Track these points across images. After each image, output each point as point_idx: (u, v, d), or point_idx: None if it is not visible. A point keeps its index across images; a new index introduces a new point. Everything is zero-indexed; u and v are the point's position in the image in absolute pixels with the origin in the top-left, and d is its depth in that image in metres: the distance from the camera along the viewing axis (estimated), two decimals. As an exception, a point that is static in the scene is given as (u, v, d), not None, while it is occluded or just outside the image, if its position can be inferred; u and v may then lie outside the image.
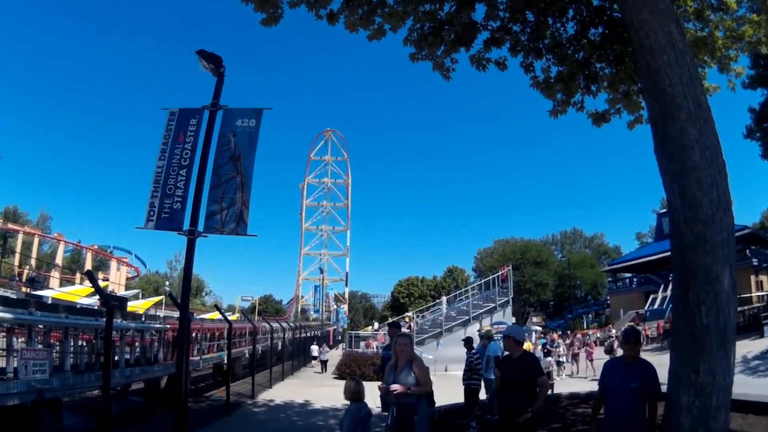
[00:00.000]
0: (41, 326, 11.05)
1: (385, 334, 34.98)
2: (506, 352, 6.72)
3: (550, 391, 12.06)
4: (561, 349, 26.50)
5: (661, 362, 5.58)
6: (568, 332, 44.79)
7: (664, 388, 5.51)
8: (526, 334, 24.79)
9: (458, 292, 45.66)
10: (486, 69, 9.32)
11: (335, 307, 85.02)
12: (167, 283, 72.92)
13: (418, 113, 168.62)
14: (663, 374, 5.52)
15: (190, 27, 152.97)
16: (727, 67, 9.62)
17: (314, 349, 34.70)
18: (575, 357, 27.27)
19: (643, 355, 6.18)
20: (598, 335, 37.84)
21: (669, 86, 5.84)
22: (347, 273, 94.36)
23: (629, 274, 63.27)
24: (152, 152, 10.04)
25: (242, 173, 9.40)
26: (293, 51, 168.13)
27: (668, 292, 39.74)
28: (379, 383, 6.54)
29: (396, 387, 5.99)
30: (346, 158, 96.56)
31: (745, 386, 12.45)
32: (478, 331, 25.94)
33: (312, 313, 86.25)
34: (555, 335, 37.86)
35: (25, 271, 45.17)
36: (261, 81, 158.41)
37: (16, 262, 47.83)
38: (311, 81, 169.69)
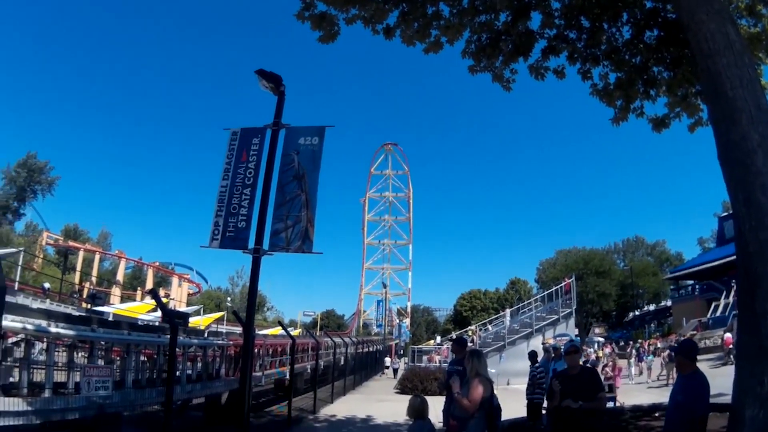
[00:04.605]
0: (103, 342, 11.26)
1: (447, 348, 35.41)
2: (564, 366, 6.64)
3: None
4: (608, 369, 21.12)
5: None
6: (630, 342, 43.09)
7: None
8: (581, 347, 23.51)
9: (521, 304, 44.78)
10: (545, 78, 9.30)
11: (397, 321, 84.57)
12: (229, 299, 73.57)
13: (478, 123, 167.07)
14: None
15: (249, 46, 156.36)
16: (783, 62, 9.28)
17: (387, 360, 44.89)
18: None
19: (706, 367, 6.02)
20: (659, 345, 36.23)
21: (730, 89, 5.71)
22: (409, 288, 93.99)
23: (691, 282, 61.14)
24: (213, 170, 10.15)
25: (306, 191, 9.42)
26: (352, 65, 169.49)
27: (731, 299, 38.06)
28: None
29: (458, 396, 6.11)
30: (407, 172, 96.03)
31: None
32: (543, 343, 25.39)
33: (374, 327, 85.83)
34: (599, 352, 35.71)
35: (86, 287, 46.23)
36: (320, 96, 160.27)
37: (77, 279, 48.94)
38: (371, 94, 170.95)
